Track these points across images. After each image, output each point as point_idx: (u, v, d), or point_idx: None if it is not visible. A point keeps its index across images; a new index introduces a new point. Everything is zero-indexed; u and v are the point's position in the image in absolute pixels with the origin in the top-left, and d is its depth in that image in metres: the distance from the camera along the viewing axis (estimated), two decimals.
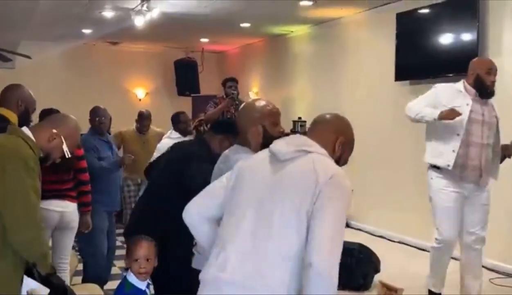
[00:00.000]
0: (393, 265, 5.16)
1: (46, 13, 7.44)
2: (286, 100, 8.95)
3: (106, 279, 4.68)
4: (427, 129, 4.36)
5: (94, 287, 3.98)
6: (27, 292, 2.58)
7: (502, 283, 5.09)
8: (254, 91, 10.17)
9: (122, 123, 7.16)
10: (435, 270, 4.32)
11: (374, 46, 7.33)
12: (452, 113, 3.96)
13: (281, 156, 1.99)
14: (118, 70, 10.89)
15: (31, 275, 2.75)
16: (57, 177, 3.84)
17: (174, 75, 11.16)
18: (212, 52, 11.53)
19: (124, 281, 2.69)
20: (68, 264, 4.09)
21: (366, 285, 4.70)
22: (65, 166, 3.68)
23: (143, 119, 6.79)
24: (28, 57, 8.15)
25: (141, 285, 2.66)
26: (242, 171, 2.09)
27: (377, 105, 7.15)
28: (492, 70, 4.13)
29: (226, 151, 2.72)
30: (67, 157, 2.58)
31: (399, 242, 6.62)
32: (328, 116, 2.18)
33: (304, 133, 2.28)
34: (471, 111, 4.05)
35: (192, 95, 10.81)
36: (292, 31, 9.21)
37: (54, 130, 2.50)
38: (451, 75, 6.05)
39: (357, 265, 4.60)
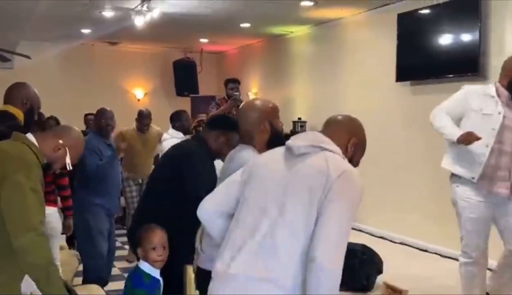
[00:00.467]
0: (395, 266, 5.13)
1: (46, 13, 7.41)
2: (286, 101, 8.93)
3: (106, 280, 4.64)
4: None
5: (95, 288, 3.94)
6: (31, 293, 2.56)
7: None
8: (253, 92, 10.15)
9: (121, 123, 7.08)
10: (468, 290, 3.86)
11: (375, 47, 7.32)
12: (469, 138, 3.63)
13: (296, 150, 2.01)
14: (116, 70, 10.87)
15: None
16: None
17: (173, 76, 11.15)
18: (211, 53, 11.52)
19: (141, 272, 2.69)
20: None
21: (369, 286, 4.68)
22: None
23: (143, 118, 6.76)
24: (28, 57, 8.11)
25: (156, 273, 2.70)
26: (256, 166, 2.11)
27: (378, 106, 7.14)
28: None
29: (231, 151, 2.73)
30: (68, 169, 2.58)
31: (400, 243, 6.60)
32: (340, 117, 2.19)
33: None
34: (504, 117, 3.69)
35: (191, 95, 10.80)
36: (292, 32, 9.20)
37: (60, 141, 2.50)
38: (452, 76, 6.06)
39: (360, 266, 4.58)
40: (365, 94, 7.44)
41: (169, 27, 8.48)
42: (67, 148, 2.52)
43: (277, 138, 2.59)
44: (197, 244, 2.79)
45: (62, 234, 4.31)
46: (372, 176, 6.95)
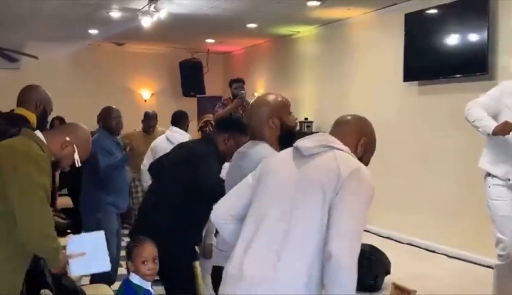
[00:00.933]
0: (402, 267, 5.12)
1: (53, 13, 7.44)
2: (292, 101, 8.71)
3: (113, 279, 4.65)
4: None
5: (104, 288, 3.95)
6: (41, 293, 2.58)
7: None
8: (260, 92, 10.14)
9: (128, 124, 7.12)
10: (503, 291, 3.78)
11: (382, 47, 7.30)
12: (506, 127, 3.53)
13: (305, 151, 2.01)
14: (123, 71, 10.90)
15: (42, 275, 2.74)
16: None
17: (179, 76, 11.16)
18: (217, 53, 11.53)
19: (133, 285, 2.65)
20: None
21: (377, 287, 4.67)
22: None
23: (149, 119, 6.77)
24: (35, 57, 8.14)
25: (147, 285, 2.66)
26: (267, 168, 2.11)
27: (385, 106, 7.11)
28: None
29: (241, 148, 2.71)
30: (77, 165, 2.59)
31: (408, 244, 6.58)
32: (350, 117, 2.19)
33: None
34: None
35: (197, 96, 10.80)
36: (298, 32, 9.18)
37: (67, 138, 2.52)
38: (460, 75, 6.04)
39: (368, 266, 4.56)
40: (372, 94, 7.42)
41: (176, 28, 8.49)
42: (75, 145, 2.53)
43: (288, 134, 2.56)
44: (214, 243, 2.79)
45: None
46: (379, 176, 6.89)
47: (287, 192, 1.95)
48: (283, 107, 2.67)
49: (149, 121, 6.78)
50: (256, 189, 2.07)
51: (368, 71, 7.58)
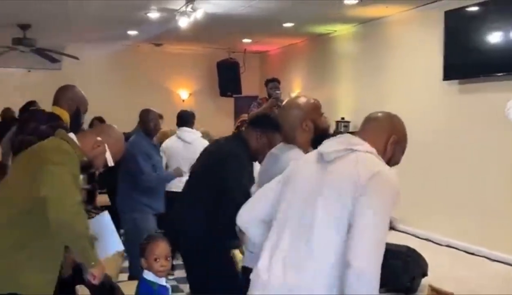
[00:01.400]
0: (440, 269, 5.02)
1: (95, 14, 7.59)
2: (329, 101, 8.85)
3: None
4: None
5: None
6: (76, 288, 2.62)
7: None
8: (296, 92, 10.11)
9: (165, 124, 7.22)
10: None
11: (421, 45, 7.18)
12: None
13: (326, 157, 1.99)
14: (161, 71, 11.04)
15: (78, 271, 2.77)
16: None
17: (216, 76, 11.22)
18: (254, 53, 11.55)
19: (147, 282, 2.69)
20: None
21: (414, 288, 4.59)
22: None
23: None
24: (76, 58, 8.32)
25: (162, 281, 2.70)
26: (293, 172, 2.10)
27: (424, 105, 7.00)
28: None
29: (273, 150, 2.70)
30: (109, 165, 2.60)
31: (447, 246, 6.46)
32: (380, 114, 2.14)
33: (352, 133, 2.25)
34: None
35: (234, 96, 10.85)
36: (335, 31, 9.12)
37: (98, 138, 2.54)
38: (502, 74, 5.89)
39: (404, 268, 4.49)
40: (410, 94, 7.30)
41: (213, 28, 8.54)
42: (107, 145, 2.54)
43: (322, 137, 2.53)
44: (243, 245, 2.78)
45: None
46: (418, 177, 6.82)
47: (309, 200, 1.93)
48: (315, 109, 2.67)
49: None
50: (281, 194, 2.06)
51: (406, 70, 7.46)
